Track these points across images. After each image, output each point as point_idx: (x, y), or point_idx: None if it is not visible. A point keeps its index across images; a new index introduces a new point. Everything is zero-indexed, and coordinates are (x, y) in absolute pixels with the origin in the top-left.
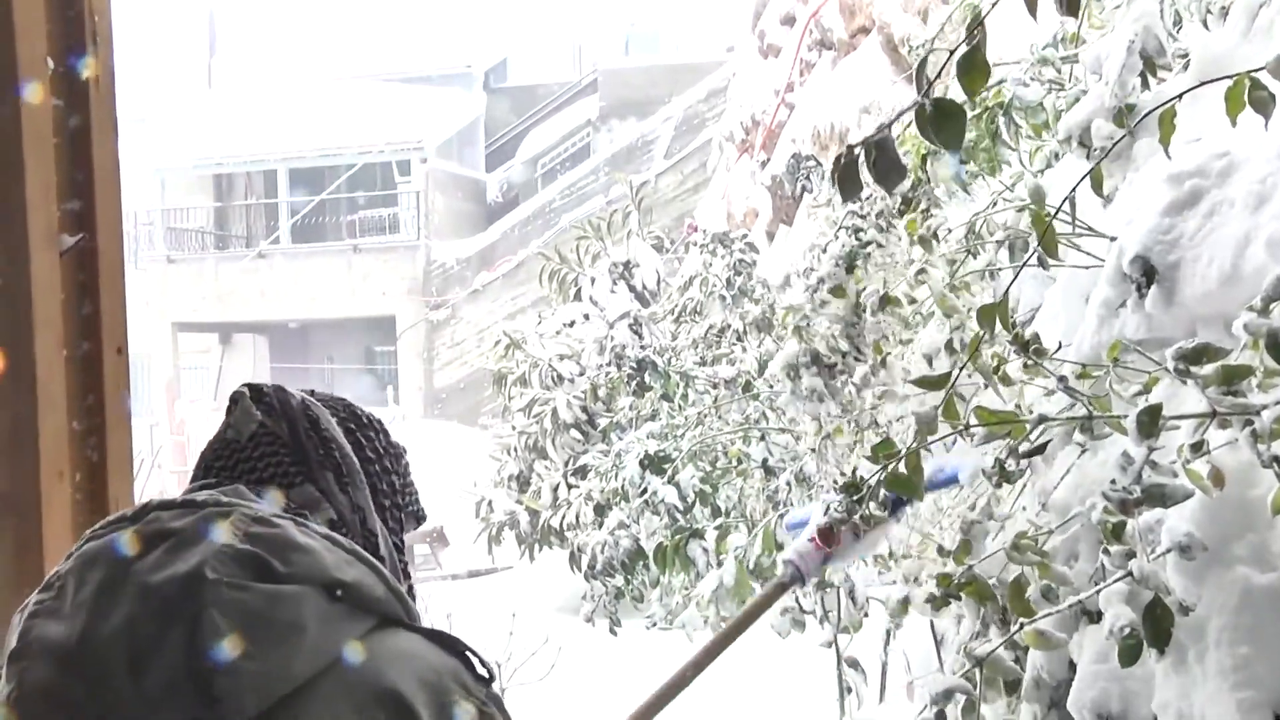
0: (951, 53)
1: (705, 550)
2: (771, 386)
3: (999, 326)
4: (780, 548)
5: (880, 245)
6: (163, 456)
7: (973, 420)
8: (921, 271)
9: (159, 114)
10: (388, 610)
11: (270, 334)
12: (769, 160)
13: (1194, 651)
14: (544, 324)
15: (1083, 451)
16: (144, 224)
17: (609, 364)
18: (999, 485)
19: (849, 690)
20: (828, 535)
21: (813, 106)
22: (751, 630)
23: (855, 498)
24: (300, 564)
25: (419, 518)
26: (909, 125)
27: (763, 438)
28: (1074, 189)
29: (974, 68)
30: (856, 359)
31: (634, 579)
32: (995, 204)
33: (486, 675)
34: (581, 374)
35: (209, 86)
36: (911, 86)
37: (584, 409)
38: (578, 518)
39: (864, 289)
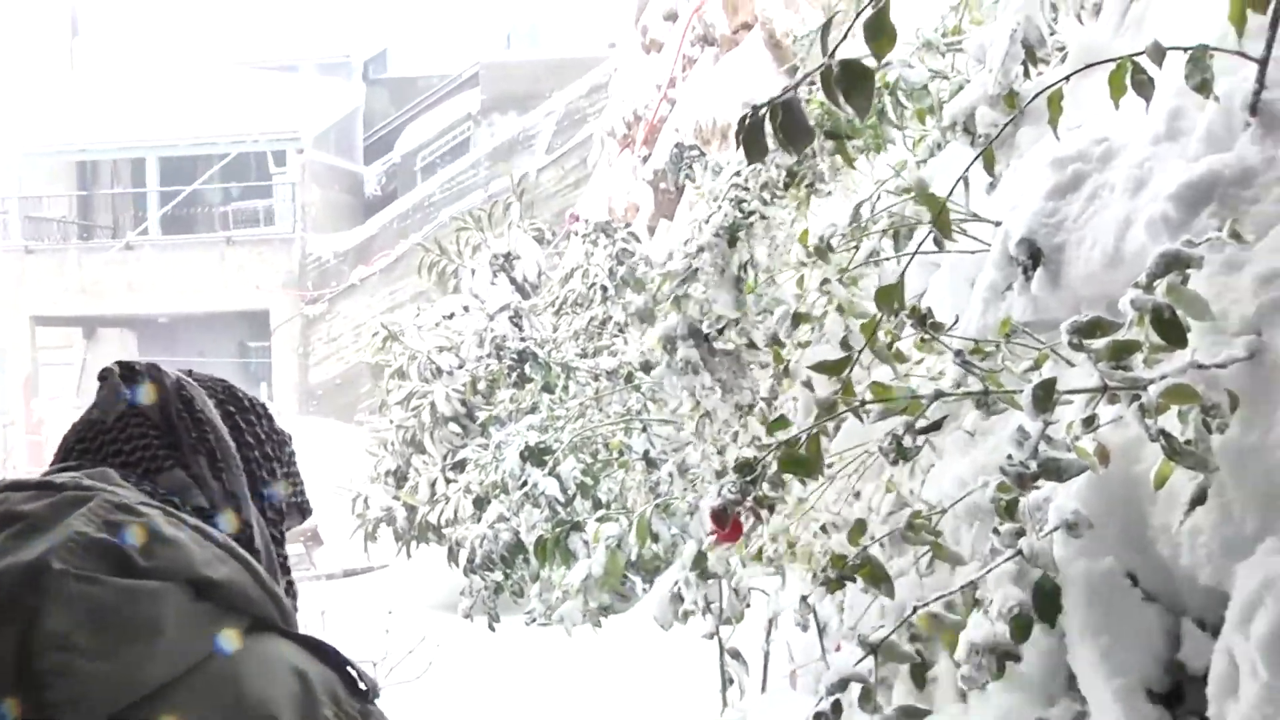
0: (858, 14)
1: (586, 543)
2: (649, 373)
3: (894, 307)
4: (655, 538)
5: (763, 217)
6: (17, 458)
7: (868, 397)
8: (825, 282)
9: (16, 96)
10: (260, 612)
11: (138, 328)
12: (650, 155)
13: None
14: (422, 316)
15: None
16: None
17: (489, 355)
18: (895, 462)
19: (731, 681)
20: (720, 517)
21: (695, 101)
22: (634, 622)
23: (749, 478)
24: (164, 557)
25: (303, 510)
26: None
27: (644, 429)
28: (965, 171)
29: (881, 31)
30: (737, 336)
31: (513, 573)
32: (879, 197)
33: (365, 690)
34: (461, 367)
35: (71, 68)
36: (794, 79)
37: (463, 402)
38: (456, 512)
39: (746, 260)
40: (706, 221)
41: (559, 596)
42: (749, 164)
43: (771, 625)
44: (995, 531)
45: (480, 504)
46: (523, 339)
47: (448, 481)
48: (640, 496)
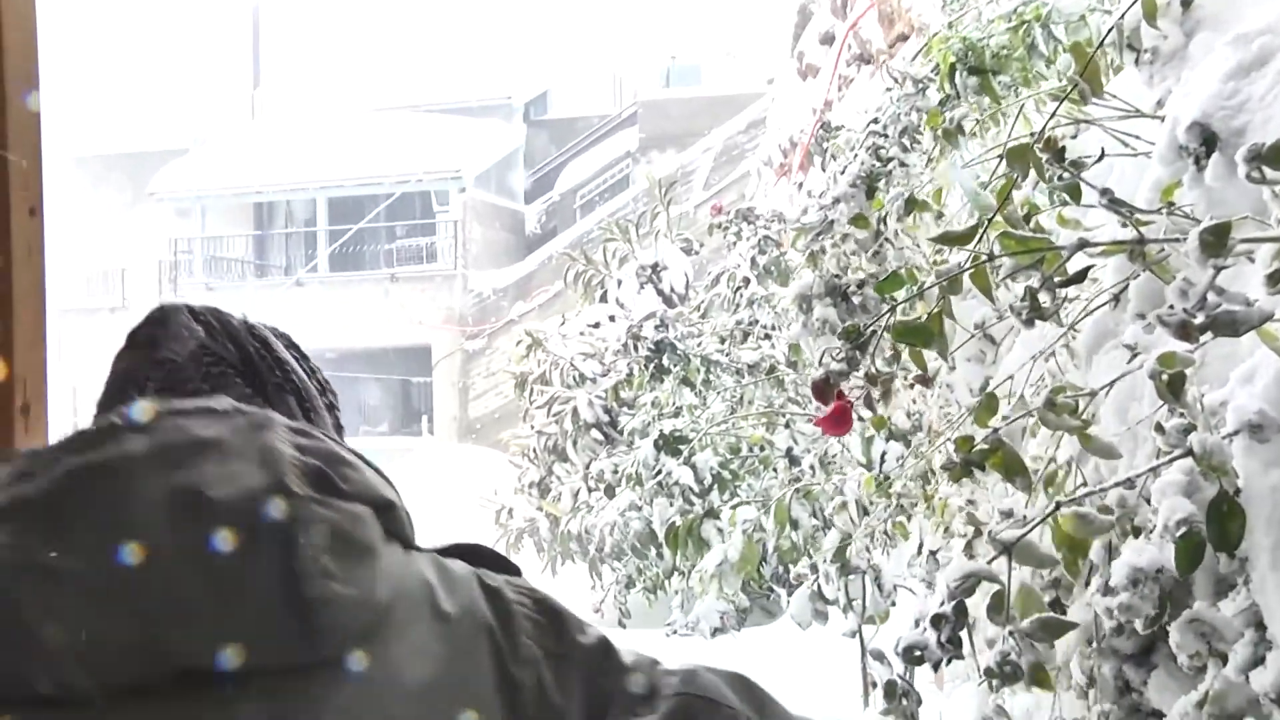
0: None
1: (720, 531)
2: (797, 368)
3: (1029, 165)
4: (795, 524)
5: (903, 164)
6: None
7: (997, 250)
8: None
9: (202, 144)
10: (411, 537)
11: None
12: (805, 182)
13: (1255, 577)
14: (567, 325)
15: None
16: (184, 253)
17: (626, 342)
18: (1030, 322)
19: (874, 685)
20: (822, 390)
21: (851, 119)
22: (777, 632)
23: (857, 342)
24: (355, 481)
25: None
26: (939, 33)
27: (788, 425)
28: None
29: None
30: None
31: (647, 566)
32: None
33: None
34: (605, 374)
35: (252, 117)
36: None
37: (605, 409)
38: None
39: (885, 213)
40: (843, 172)
41: (696, 588)
42: None
43: (920, 627)
44: (1159, 429)
45: (611, 491)
46: (661, 331)
47: (590, 490)
48: (779, 494)
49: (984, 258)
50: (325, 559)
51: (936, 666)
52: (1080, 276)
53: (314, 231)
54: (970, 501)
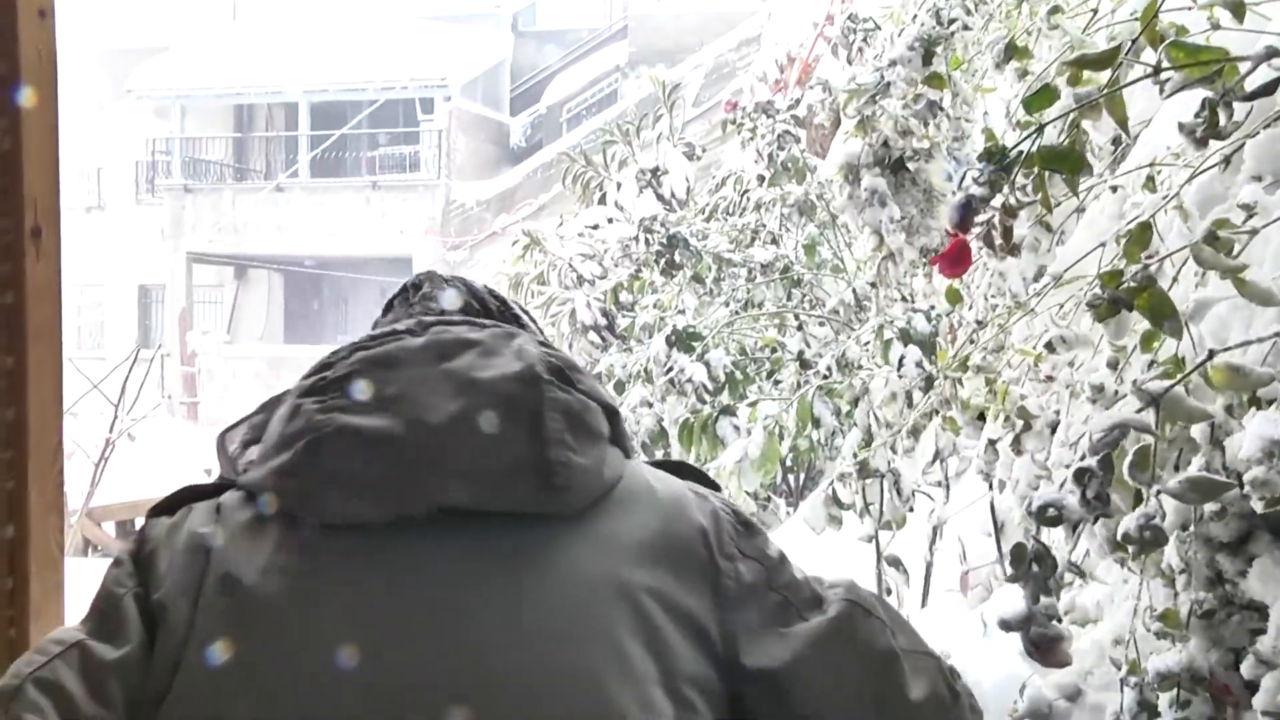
0: None
1: (737, 429)
2: (810, 270)
3: None
4: (817, 422)
5: (966, 28)
6: (171, 387)
7: (1164, 62)
8: (1055, 10)
9: (182, 44)
10: (630, 448)
11: (285, 270)
12: (802, 99)
13: None
14: (565, 226)
15: None
16: (161, 153)
17: (637, 235)
18: (1203, 142)
19: (889, 591)
20: (963, 215)
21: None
22: (785, 525)
23: (1001, 164)
24: (586, 384)
25: None
26: None
27: (800, 327)
28: None
29: None
30: (929, 159)
31: None
32: None
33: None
34: (603, 276)
35: (234, 18)
36: None
37: (604, 312)
38: None
39: (950, 72)
40: (899, 34)
41: None
42: None
43: (936, 534)
44: None
45: (621, 389)
46: (670, 227)
47: None
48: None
49: (1151, 71)
50: (565, 434)
51: (1075, 527)
52: (1270, 88)
53: (295, 136)
54: (1049, 377)
